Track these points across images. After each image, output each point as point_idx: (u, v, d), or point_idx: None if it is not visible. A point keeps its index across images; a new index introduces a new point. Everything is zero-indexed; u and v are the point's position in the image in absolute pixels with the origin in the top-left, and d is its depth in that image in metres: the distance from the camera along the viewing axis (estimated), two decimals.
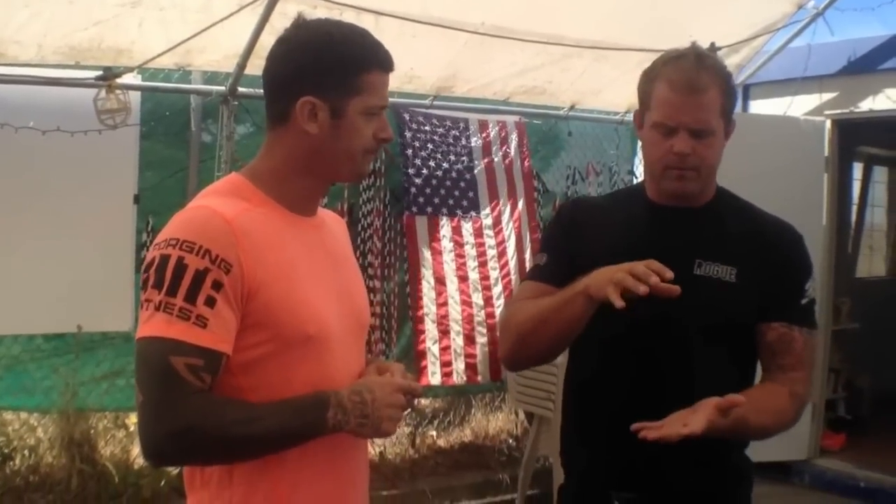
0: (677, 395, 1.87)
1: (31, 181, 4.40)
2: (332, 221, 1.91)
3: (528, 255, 5.77)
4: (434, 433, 5.97)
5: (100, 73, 4.43)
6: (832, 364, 6.34)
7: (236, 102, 4.85)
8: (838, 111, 5.93)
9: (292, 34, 1.72)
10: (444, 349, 5.52)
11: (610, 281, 1.81)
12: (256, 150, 1.78)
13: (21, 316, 4.45)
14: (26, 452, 4.75)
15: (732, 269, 2.05)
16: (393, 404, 1.68)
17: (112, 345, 4.79)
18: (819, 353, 5.63)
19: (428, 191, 5.56)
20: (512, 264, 5.78)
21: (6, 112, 4.23)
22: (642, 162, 2.22)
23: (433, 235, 5.57)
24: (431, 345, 5.49)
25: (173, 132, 5.00)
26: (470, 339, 5.60)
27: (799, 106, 6.04)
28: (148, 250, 1.64)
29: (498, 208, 5.80)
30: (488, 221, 5.75)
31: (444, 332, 5.53)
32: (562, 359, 2.23)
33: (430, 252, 5.54)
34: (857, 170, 7.93)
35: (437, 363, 5.49)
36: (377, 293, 5.40)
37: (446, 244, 5.62)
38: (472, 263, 5.68)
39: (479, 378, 5.65)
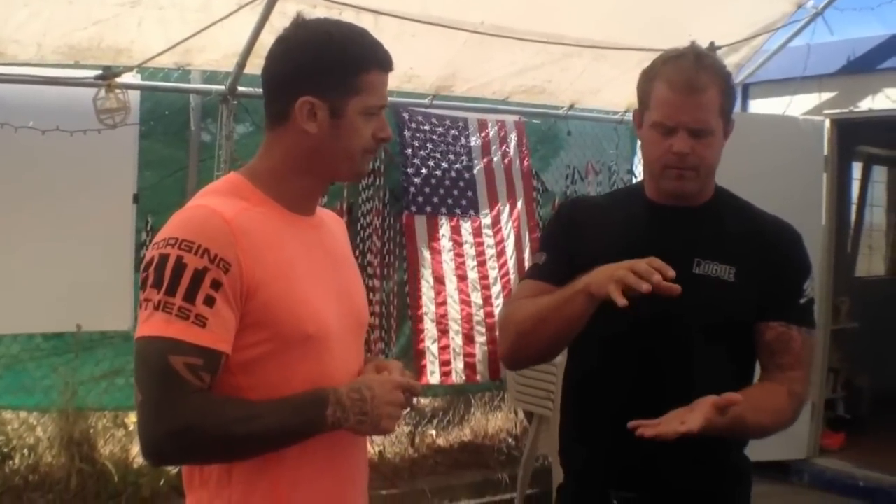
0: (677, 394, 1.87)
1: (31, 181, 4.40)
2: (330, 221, 1.91)
3: (527, 255, 5.78)
4: (433, 432, 5.97)
5: (99, 72, 4.43)
6: (831, 363, 6.34)
7: (236, 102, 4.85)
8: (837, 111, 5.93)
9: (291, 33, 1.72)
10: (443, 348, 5.53)
11: (611, 279, 1.80)
12: (256, 149, 1.78)
13: (20, 315, 4.45)
14: (26, 451, 4.75)
15: (731, 269, 2.05)
16: (392, 402, 1.68)
17: (111, 344, 4.79)
18: (818, 353, 5.64)
19: (427, 190, 5.56)
20: (511, 264, 5.79)
21: (6, 111, 4.23)
22: (641, 161, 2.22)
23: (432, 235, 5.57)
24: (430, 344, 5.49)
25: (173, 131, 5.00)
26: (469, 339, 5.61)
27: (798, 105, 6.04)
28: (147, 249, 1.64)
29: (497, 208, 5.80)
30: (487, 221, 5.76)
31: (443, 332, 5.53)
32: (561, 358, 2.23)
33: (429, 251, 5.55)
34: (857, 169, 7.93)
35: (436, 362, 5.50)
36: (376, 292, 5.40)
37: (445, 243, 5.62)
38: (471, 263, 5.69)
39: (478, 377, 5.66)
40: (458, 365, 5.56)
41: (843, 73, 5.90)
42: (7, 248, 4.40)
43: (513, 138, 5.90)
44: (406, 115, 5.55)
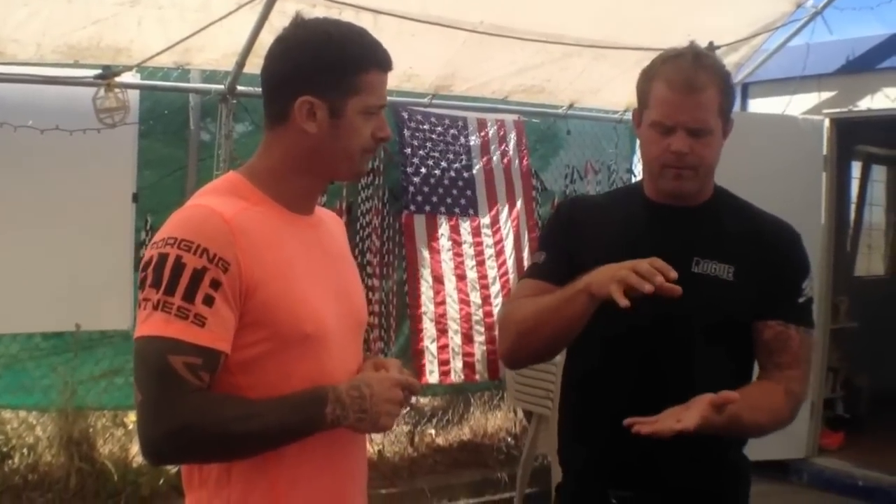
0: (678, 394, 1.87)
1: (30, 180, 4.40)
2: (329, 220, 1.91)
3: (526, 254, 5.78)
4: (433, 432, 5.97)
5: (98, 71, 4.43)
6: (830, 363, 6.34)
7: (235, 101, 4.85)
8: (837, 110, 5.94)
9: (291, 33, 1.72)
10: (442, 348, 5.53)
11: (613, 279, 1.80)
12: (255, 148, 1.78)
13: (20, 314, 4.45)
14: (25, 451, 4.75)
15: (730, 268, 2.05)
16: (391, 399, 1.68)
17: (111, 343, 4.79)
18: (817, 352, 5.64)
19: (426, 189, 5.56)
20: (510, 263, 5.79)
21: (5, 111, 4.24)
22: (641, 161, 2.22)
23: (431, 234, 5.57)
24: (429, 343, 5.49)
25: (172, 131, 5.00)
26: (468, 338, 5.61)
27: (797, 105, 6.04)
28: (146, 249, 1.64)
29: (496, 207, 5.80)
30: (486, 220, 5.76)
31: (442, 331, 5.53)
32: (560, 357, 2.23)
33: (428, 251, 5.55)
34: (856, 168, 7.93)
35: (435, 362, 5.50)
36: (376, 292, 5.40)
37: (444, 243, 5.62)
38: (469, 262, 5.69)
39: (477, 377, 5.66)
40: (456, 364, 5.56)
41: (843, 73, 5.90)
42: (6, 247, 4.40)
43: (512, 138, 5.90)
44: (405, 115, 5.55)
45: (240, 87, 4.79)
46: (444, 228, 5.62)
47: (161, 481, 4.69)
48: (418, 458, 5.71)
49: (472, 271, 5.68)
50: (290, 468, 1.67)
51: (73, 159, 4.43)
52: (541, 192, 6.12)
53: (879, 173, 8.34)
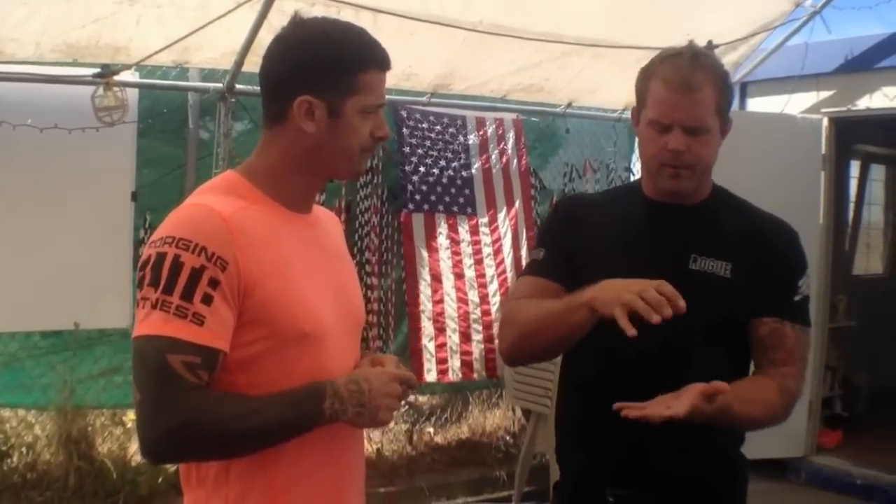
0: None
1: (29, 179, 4.40)
2: (326, 218, 1.92)
3: (524, 253, 5.78)
4: (431, 430, 5.98)
5: (97, 70, 4.44)
6: (829, 361, 6.35)
7: (234, 100, 4.85)
8: (835, 109, 5.94)
9: (289, 32, 1.72)
10: (440, 346, 5.53)
11: (618, 301, 1.77)
12: (254, 147, 1.78)
13: (18, 313, 4.45)
14: (24, 450, 4.75)
15: (727, 265, 2.06)
16: (389, 393, 1.68)
17: (109, 342, 4.79)
18: (816, 351, 5.65)
19: (424, 188, 5.56)
20: (508, 262, 5.79)
21: (4, 110, 4.24)
22: (639, 159, 2.23)
23: (430, 233, 5.57)
24: (427, 342, 5.50)
25: (171, 129, 5.00)
26: (466, 337, 5.61)
27: (796, 104, 6.05)
28: (144, 248, 1.65)
29: (494, 206, 5.80)
30: (484, 219, 5.76)
31: (441, 330, 5.54)
32: (559, 356, 2.23)
33: (426, 249, 5.55)
34: (854, 168, 7.93)
35: (433, 360, 5.50)
36: (374, 290, 5.40)
37: (443, 241, 5.63)
38: (468, 261, 5.69)
39: (475, 375, 5.67)
40: (454, 363, 5.57)
41: (841, 72, 5.91)
42: (5, 246, 4.40)
43: (511, 136, 5.90)
44: (404, 113, 5.55)
45: (238, 86, 4.79)
46: (442, 227, 5.62)
47: (160, 480, 4.69)
48: (417, 457, 5.72)
49: (471, 270, 5.68)
50: (289, 465, 1.67)
51: (72, 158, 4.43)
52: (539, 191, 6.12)
53: (878, 172, 8.35)
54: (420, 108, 5.62)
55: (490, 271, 5.75)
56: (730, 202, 2.19)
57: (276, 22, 4.13)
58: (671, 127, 2.00)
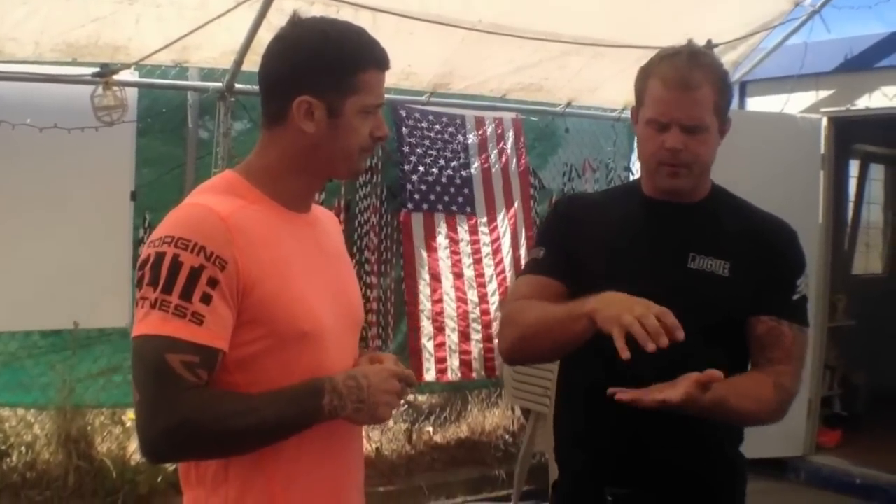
0: None
1: (29, 178, 4.40)
2: (325, 218, 1.92)
3: (523, 253, 5.78)
4: (430, 429, 5.98)
5: (97, 69, 4.44)
6: (828, 361, 6.35)
7: (233, 99, 4.85)
8: (835, 108, 5.94)
9: (288, 32, 1.72)
10: (439, 346, 5.53)
11: (617, 320, 1.77)
12: (253, 146, 1.78)
13: (18, 312, 4.45)
14: (23, 449, 4.75)
15: (726, 264, 2.06)
16: (388, 390, 1.69)
17: (109, 341, 4.80)
18: (815, 350, 5.66)
19: (424, 188, 5.56)
20: (507, 261, 5.79)
21: (3, 109, 4.24)
22: (638, 158, 2.23)
23: (429, 232, 5.58)
24: (426, 341, 5.50)
25: (170, 129, 5.00)
26: (465, 336, 5.61)
27: (795, 103, 6.05)
28: (143, 247, 1.65)
29: (494, 205, 5.80)
30: (483, 219, 5.76)
31: (440, 329, 5.54)
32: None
33: (425, 249, 5.56)
34: (854, 167, 7.94)
35: (432, 360, 5.51)
36: (374, 289, 5.41)
37: (442, 241, 5.63)
38: (467, 261, 5.69)
39: (474, 375, 5.67)
40: (453, 362, 5.57)
41: (841, 71, 5.91)
42: (5, 245, 4.40)
43: (510, 136, 5.90)
44: (403, 112, 5.55)
45: (238, 85, 4.79)
46: (441, 227, 5.62)
47: (159, 479, 4.69)
48: (416, 456, 5.72)
49: (470, 269, 5.68)
50: (288, 464, 1.67)
51: (72, 157, 4.44)
52: (539, 191, 6.12)
53: (877, 172, 8.36)
54: (419, 107, 5.63)
55: (489, 271, 5.75)
56: (729, 201, 2.19)
57: (276, 21, 4.13)
58: (669, 126, 2.00)
